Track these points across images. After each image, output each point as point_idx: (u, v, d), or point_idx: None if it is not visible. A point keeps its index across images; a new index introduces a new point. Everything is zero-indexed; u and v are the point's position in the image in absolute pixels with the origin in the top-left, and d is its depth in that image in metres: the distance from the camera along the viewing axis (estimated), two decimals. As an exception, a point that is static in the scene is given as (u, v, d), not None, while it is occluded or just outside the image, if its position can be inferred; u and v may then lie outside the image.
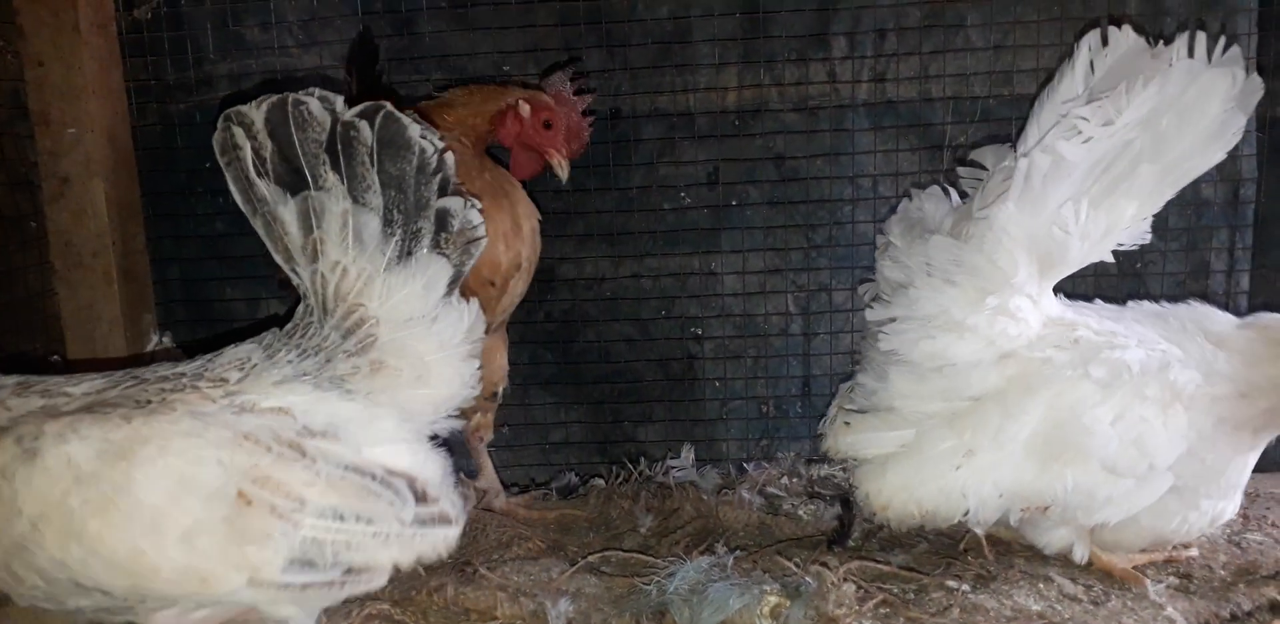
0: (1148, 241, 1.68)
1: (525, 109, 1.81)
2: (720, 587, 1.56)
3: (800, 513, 2.02)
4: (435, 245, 1.38)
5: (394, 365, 1.38)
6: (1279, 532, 1.86)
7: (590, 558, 1.79)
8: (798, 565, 1.66)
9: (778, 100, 2.08)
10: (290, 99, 1.30)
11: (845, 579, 1.60)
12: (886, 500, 1.65)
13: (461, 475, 2.10)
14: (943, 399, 1.61)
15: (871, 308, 1.69)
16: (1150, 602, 1.59)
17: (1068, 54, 1.59)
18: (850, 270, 2.14)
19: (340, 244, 1.34)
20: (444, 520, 1.36)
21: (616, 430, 2.29)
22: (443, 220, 1.37)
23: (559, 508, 2.09)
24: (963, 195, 1.70)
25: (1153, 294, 2.13)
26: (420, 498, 1.34)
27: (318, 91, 1.31)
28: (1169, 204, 2.06)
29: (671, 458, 2.21)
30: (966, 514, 1.61)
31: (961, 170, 1.77)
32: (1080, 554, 1.67)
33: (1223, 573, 1.70)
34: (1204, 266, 2.13)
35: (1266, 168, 2.09)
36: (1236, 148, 2.04)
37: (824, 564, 1.65)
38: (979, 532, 1.70)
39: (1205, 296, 2.13)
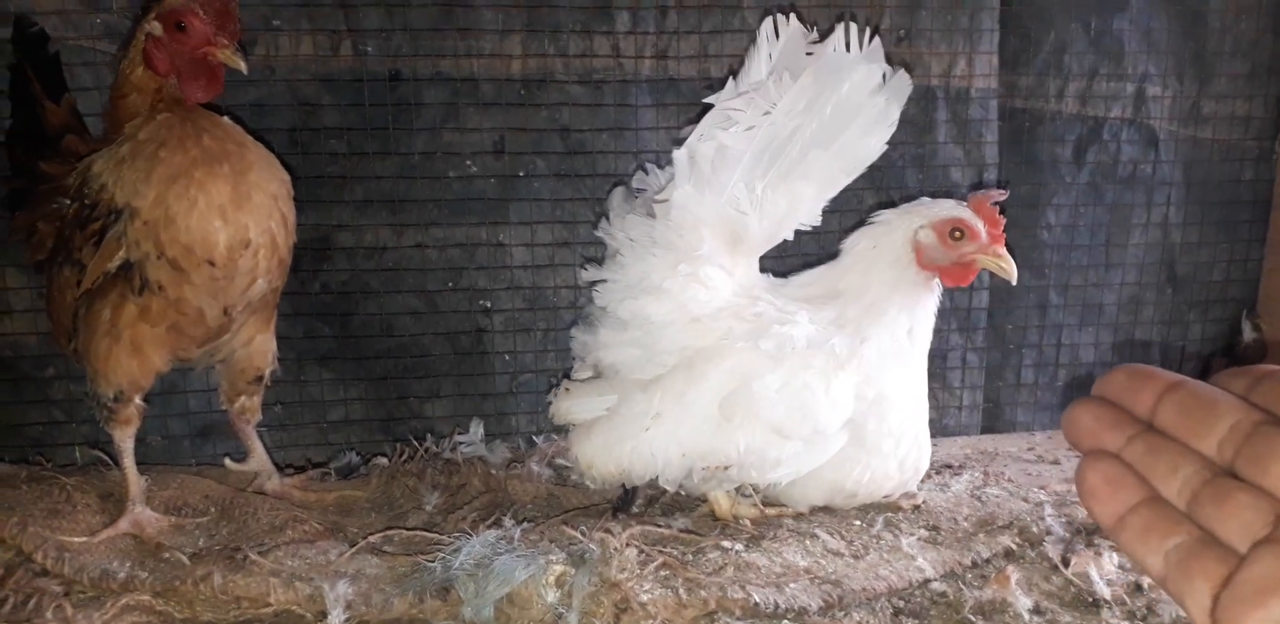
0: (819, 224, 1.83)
1: (155, 27, 1.53)
2: (506, 559, 1.55)
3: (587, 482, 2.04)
4: None
5: None
6: (1014, 486, 2.06)
7: (371, 538, 1.73)
8: (583, 534, 1.68)
9: (563, 71, 2.06)
10: None
11: (628, 544, 1.63)
12: (590, 459, 1.79)
13: (228, 459, 1.98)
14: (638, 348, 1.77)
15: (586, 269, 1.84)
16: (904, 553, 1.73)
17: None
18: (636, 244, 2.17)
19: None
20: None
21: (402, 407, 2.21)
22: None
23: (338, 489, 2.00)
24: None
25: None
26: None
27: None
28: (925, 186, 2.24)
29: (460, 433, 2.16)
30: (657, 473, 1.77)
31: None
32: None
33: (965, 525, 1.87)
34: (955, 243, 2.30)
35: (1005, 154, 2.29)
36: (980, 135, 2.25)
37: (608, 531, 1.68)
38: (670, 489, 1.85)
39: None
